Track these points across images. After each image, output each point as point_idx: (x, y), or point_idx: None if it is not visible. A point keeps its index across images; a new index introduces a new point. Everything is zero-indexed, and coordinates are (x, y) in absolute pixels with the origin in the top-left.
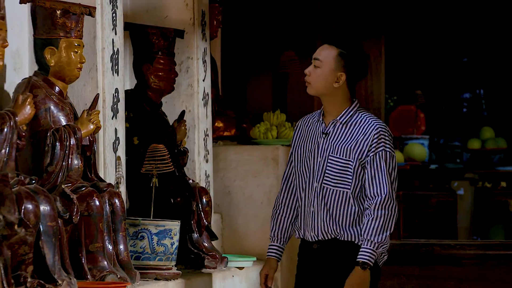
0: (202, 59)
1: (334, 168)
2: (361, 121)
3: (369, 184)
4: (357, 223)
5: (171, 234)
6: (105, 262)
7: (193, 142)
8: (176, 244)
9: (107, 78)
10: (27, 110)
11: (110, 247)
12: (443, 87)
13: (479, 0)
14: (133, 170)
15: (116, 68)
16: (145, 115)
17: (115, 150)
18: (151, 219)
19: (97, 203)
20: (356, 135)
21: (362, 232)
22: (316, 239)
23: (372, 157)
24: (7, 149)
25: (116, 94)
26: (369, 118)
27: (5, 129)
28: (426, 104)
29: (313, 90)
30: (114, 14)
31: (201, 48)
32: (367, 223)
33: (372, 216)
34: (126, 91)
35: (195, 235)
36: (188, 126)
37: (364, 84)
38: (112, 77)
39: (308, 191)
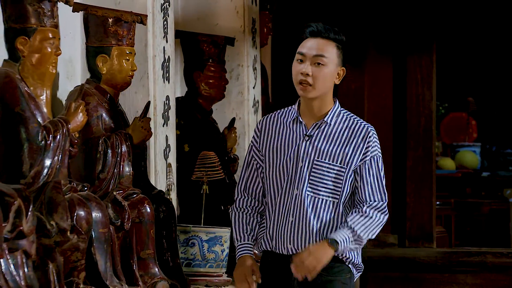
0: (253, 66)
1: (320, 174)
2: (348, 122)
3: (364, 190)
4: None
5: (221, 241)
6: (156, 269)
7: (243, 149)
8: (227, 251)
9: (158, 86)
10: (80, 118)
11: (161, 254)
12: (495, 94)
13: None
14: (183, 177)
15: (167, 75)
16: (196, 122)
17: (166, 157)
18: (202, 226)
19: (148, 210)
20: (345, 138)
21: (347, 221)
22: (295, 252)
23: (367, 162)
24: (60, 156)
25: (167, 101)
26: (355, 119)
27: (58, 137)
28: (478, 111)
29: (315, 93)
30: (165, 22)
31: (252, 56)
32: (357, 216)
33: (366, 214)
34: (177, 99)
35: None
36: (238, 133)
37: (415, 91)
38: (163, 85)
39: (285, 199)
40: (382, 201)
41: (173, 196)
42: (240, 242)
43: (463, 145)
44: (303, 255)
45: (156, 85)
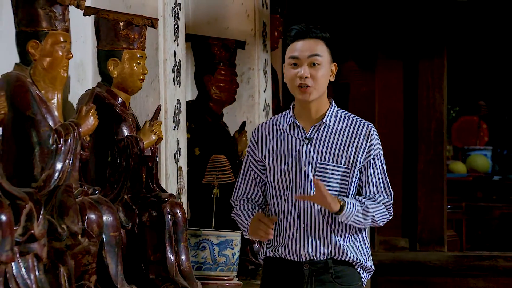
0: (263, 70)
1: (325, 177)
2: (347, 121)
3: (370, 189)
4: (352, 237)
5: (232, 244)
6: (167, 273)
7: None
8: (237, 254)
9: (169, 89)
10: (91, 121)
11: (172, 257)
12: (506, 98)
13: None
14: (194, 180)
15: (178, 79)
16: (207, 126)
17: (176, 160)
18: (213, 229)
19: (159, 213)
20: (346, 138)
21: (356, 197)
22: (308, 259)
23: (371, 161)
24: (71, 159)
25: (178, 105)
26: (354, 117)
27: (69, 140)
28: (489, 114)
29: (316, 94)
30: (176, 26)
31: (262, 59)
32: (366, 198)
33: (374, 199)
34: (188, 102)
35: (256, 246)
36: (249, 136)
37: (426, 94)
38: (174, 88)
39: (293, 206)
40: (389, 198)
41: (184, 200)
42: (248, 220)
43: (474, 149)
44: (325, 192)
45: (167, 89)
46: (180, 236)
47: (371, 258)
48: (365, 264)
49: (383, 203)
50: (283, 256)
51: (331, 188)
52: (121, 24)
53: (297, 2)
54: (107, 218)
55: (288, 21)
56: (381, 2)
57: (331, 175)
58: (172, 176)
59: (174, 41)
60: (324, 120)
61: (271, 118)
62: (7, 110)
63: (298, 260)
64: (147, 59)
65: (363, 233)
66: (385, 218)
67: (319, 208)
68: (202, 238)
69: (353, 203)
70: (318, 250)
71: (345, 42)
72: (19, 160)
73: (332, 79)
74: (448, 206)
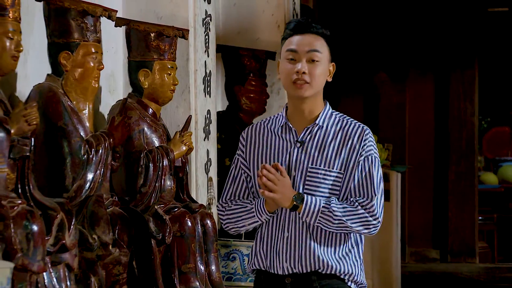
0: None
1: (316, 182)
2: (341, 124)
3: (351, 187)
4: (343, 250)
5: None
6: (197, 283)
7: None
8: None
9: (200, 100)
10: (122, 132)
11: (202, 267)
12: None
13: None
14: None
15: (208, 89)
16: (237, 136)
17: (207, 171)
18: (243, 240)
19: (190, 224)
20: (339, 141)
21: (332, 200)
22: (291, 272)
23: (360, 161)
24: (102, 170)
25: (208, 115)
26: (349, 120)
27: (100, 150)
28: None
29: (312, 91)
30: (206, 37)
31: None
32: (343, 203)
33: (348, 202)
34: (218, 113)
35: None
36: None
37: (457, 105)
38: (204, 99)
39: (279, 213)
40: (369, 200)
41: (214, 210)
42: (252, 203)
43: (506, 160)
44: (284, 181)
45: (197, 99)
46: (210, 246)
47: (364, 272)
48: (357, 278)
49: (361, 206)
50: (268, 269)
51: (321, 194)
52: (152, 35)
53: (327, 12)
54: (137, 228)
55: None
56: (413, 15)
57: (322, 180)
58: (202, 187)
59: (205, 51)
60: (317, 122)
61: (262, 120)
62: (39, 120)
63: (281, 273)
64: (178, 70)
65: (359, 246)
66: (365, 223)
67: (300, 218)
68: (232, 249)
69: (316, 203)
70: (301, 262)
71: (376, 54)
72: (51, 171)
73: (330, 80)
74: (480, 218)
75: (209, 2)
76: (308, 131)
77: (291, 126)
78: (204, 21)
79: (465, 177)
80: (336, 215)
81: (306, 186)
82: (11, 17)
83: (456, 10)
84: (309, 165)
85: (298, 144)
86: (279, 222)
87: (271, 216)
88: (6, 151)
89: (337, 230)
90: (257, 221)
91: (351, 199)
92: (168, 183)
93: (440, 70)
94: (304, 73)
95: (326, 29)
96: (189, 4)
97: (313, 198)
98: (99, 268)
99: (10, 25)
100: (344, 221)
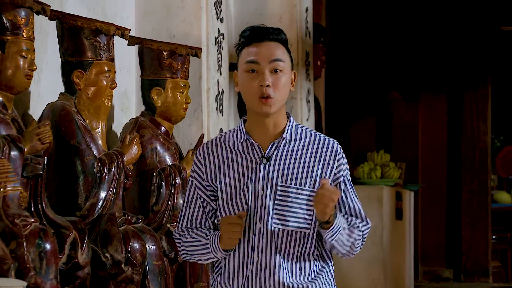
0: (306, 99)
1: (287, 201)
2: (310, 137)
3: (348, 214)
4: (315, 270)
5: None
6: None
7: None
8: None
9: (212, 118)
10: (134, 150)
11: None
12: None
13: None
14: None
15: (221, 108)
16: None
17: None
18: None
19: None
20: (310, 156)
21: (347, 220)
22: None
23: (342, 184)
24: (115, 188)
25: None
26: (316, 133)
27: (113, 169)
28: None
29: (277, 105)
30: (219, 55)
31: (305, 88)
32: (355, 222)
33: (357, 227)
34: None
35: None
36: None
37: (470, 124)
38: (217, 117)
39: (247, 236)
40: (365, 223)
41: None
42: (207, 237)
43: None
44: (323, 190)
45: (210, 118)
46: None
47: None
48: None
49: (361, 230)
50: None
51: (294, 215)
52: (165, 53)
53: (341, 31)
54: (150, 247)
55: (331, 50)
56: (425, 34)
57: (294, 200)
58: None
59: (217, 70)
60: (284, 135)
61: (217, 137)
62: (52, 139)
63: None
64: (191, 88)
65: (329, 263)
66: (360, 247)
67: (276, 238)
68: None
69: (341, 219)
70: (273, 287)
71: (389, 73)
72: (64, 189)
73: (293, 89)
74: (493, 237)
75: (221, 21)
76: (275, 146)
77: (253, 141)
78: (217, 40)
79: (478, 196)
80: (353, 234)
81: (276, 206)
82: (25, 36)
83: (469, 29)
84: (279, 183)
85: (265, 160)
86: (247, 247)
87: (227, 254)
88: (19, 169)
89: (343, 250)
90: (213, 258)
91: (352, 221)
92: (181, 201)
93: (453, 89)
94: (268, 86)
95: (284, 34)
96: (202, 23)
97: (339, 214)
98: (112, 286)
99: (24, 44)
100: (355, 241)
